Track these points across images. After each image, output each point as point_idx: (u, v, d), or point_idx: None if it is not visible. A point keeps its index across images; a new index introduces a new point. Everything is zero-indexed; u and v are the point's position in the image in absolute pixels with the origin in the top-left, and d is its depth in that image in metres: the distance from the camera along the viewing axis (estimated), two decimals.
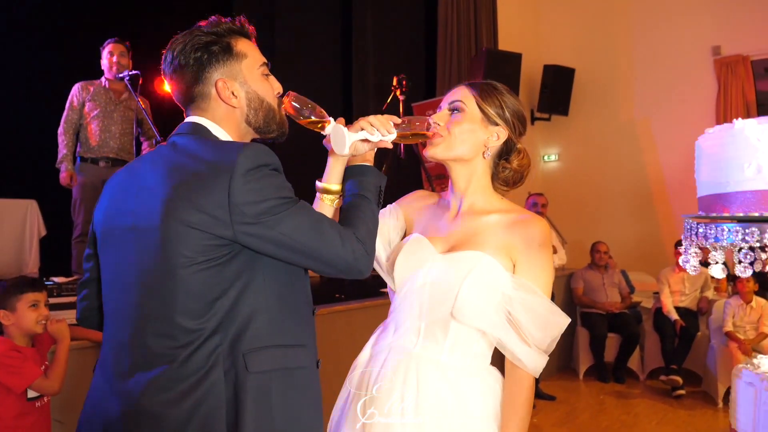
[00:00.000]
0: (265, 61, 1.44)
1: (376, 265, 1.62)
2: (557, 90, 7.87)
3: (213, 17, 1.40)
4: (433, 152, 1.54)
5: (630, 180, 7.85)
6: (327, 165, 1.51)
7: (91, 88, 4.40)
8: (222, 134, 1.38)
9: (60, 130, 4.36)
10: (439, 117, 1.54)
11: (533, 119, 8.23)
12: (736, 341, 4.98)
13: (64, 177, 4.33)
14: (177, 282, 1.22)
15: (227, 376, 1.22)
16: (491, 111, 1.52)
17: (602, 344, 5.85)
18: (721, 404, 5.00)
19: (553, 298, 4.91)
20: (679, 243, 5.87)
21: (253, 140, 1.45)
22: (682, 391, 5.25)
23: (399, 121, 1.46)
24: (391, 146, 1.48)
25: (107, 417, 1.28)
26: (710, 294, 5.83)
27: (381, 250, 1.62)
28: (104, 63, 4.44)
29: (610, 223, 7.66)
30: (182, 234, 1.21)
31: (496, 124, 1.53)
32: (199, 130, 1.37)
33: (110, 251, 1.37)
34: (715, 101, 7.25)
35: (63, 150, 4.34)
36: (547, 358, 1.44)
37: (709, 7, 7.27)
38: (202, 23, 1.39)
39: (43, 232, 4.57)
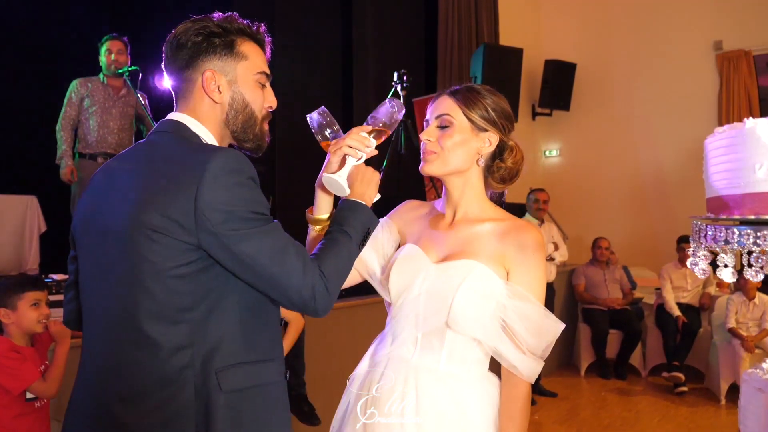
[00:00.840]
0: (267, 71, 1.41)
1: (370, 279, 1.62)
2: (558, 85, 7.85)
3: (230, 13, 1.37)
4: (429, 169, 1.53)
5: (631, 175, 7.83)
6: (315, 196, 1.50)
7: (89, 84, 4.39)
8: (202, 131, 1.34)
9: (58, 126, 4.35)
10: (429, 133, 1.53)
11: (534, 114, 8.21)
12: (739, 338, 4.96)
13: (65, 173, 4.31)
14: (144, 288, 1.19)
15: (199, 395, 1.19)
16: (478, 118, 1.50)
17: (604, 341, 5.84)
18: (723, 401, 4.99)
19: (554, 295, 4.89)
20: (682, 239, 5.88)
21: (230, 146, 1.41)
22: (684, 388, 5.24)
23: (369, 127, 1.46)
24: (376, 152, 1.49)
25: (84, 419, 1.27)
26: (712, 290, 5.82)
27: (375, 263, 1.62)
28: (102, 60, 4.42)
29: (611, 218, 7.65)
30: (148, 239, 1.18)
31: (486, 130, 1.52)
32: (179, 128, 1.33)
33: (85, 253, 1.34)
34: (717, 96, 7.23)
35: (62, 146, 4.32)
36: (543, 363, 1.44)
37: (711, 1, 7.23)
38: (216, 15, 1.36)
39: (44, 228, 4.58)
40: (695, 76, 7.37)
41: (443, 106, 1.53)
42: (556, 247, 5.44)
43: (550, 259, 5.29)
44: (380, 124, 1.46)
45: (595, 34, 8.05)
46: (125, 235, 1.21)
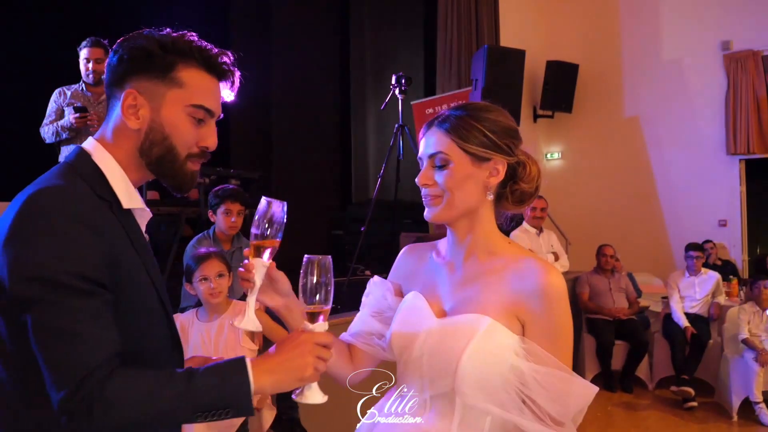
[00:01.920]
0: (207, 106, 1.17)
1: (366, 346, 1.41)
2: (560, 86, 7.69)
3: (185, 33, 1.16)
4: (436, 217, 1.31)
5: (635, 178, 7.66)
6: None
7: (68, 93, 4.20)
8: (106, 161, 1.14)
9: (41, 130, 4.14)
10: (426, 176, 1.30)
11: (536, 116, 8.03)
12: (754, 350, 4.70)
13: (78, 120, 3.98)
14: None
15: None
16: (478, 147, 1.27)
17: (609, 352, 5.63)
18: (735, 418, 4.78)
19: None
20: (690, 246, 5.69)
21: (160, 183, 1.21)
22: (693, 403, 5.02)
23: (249, 249, 1.24)
24: (273, 263, 1.26)
25: None
26: (722, 299, 5.60)
27: (377, 325, 1.43)
28: (81, 67, 4.23)
29: (614, 223, 7.47)
30: None
31: (489, 159, 1.28)
32: (77, 158, 1.14)
33: None
34: (725, 97, 7.05)
35: (54, 125, 4.06)
36: (575, 430, 1.22)
37: (719, 0, 7.06)
38: (167, 30, 1.16)
39: None
40: (702, 76, 7.21)
41: (435, 143, 1.30)
42: (557, 258, 5.25)
43: None
44: (264, 235, 1.23)
45: (598, 34, 7.87)
46: None
